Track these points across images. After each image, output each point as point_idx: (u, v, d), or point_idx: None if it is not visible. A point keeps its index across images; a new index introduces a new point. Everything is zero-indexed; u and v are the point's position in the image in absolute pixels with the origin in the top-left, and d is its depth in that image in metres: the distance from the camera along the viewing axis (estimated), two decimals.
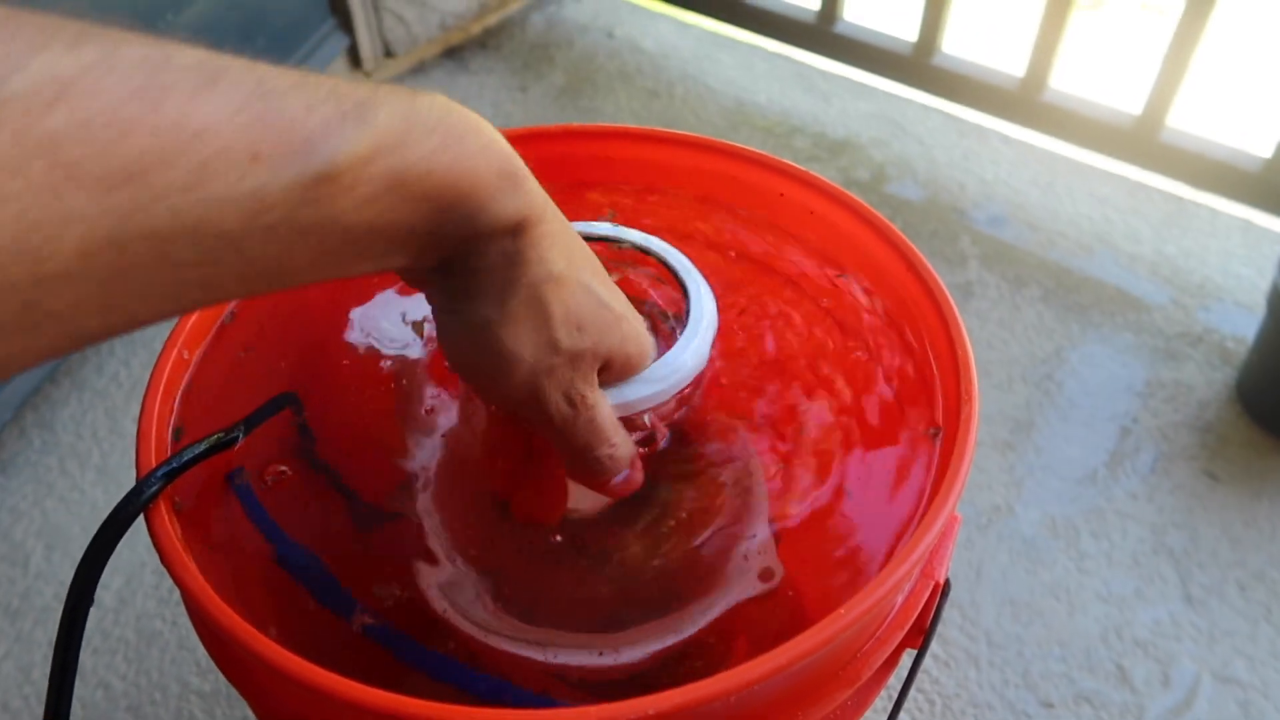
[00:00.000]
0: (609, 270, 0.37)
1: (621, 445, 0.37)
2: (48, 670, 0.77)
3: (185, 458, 0.36)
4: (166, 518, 0.35)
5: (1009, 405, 0.96)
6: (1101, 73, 1.48)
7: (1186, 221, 1.15)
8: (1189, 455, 0.92)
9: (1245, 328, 1.02)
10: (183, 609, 0.80)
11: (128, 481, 0.89)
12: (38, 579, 0.82)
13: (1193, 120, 1.08)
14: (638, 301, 0.44)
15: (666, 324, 0.42)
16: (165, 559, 0.33)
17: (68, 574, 0.82)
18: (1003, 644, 0.79)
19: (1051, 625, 0.80)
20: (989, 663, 0.78)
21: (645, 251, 0.43)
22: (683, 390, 0.38)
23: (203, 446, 0.37)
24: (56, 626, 0.79)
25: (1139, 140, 1.07)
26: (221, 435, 0.39)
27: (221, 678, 0.77)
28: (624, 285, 0.44)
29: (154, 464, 0.36)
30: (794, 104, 1.32)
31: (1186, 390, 0.97)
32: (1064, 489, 0.89)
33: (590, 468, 0.37)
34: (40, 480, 0.89)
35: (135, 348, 0.99)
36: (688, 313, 0.40)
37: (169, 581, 0.81)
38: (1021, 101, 1.12)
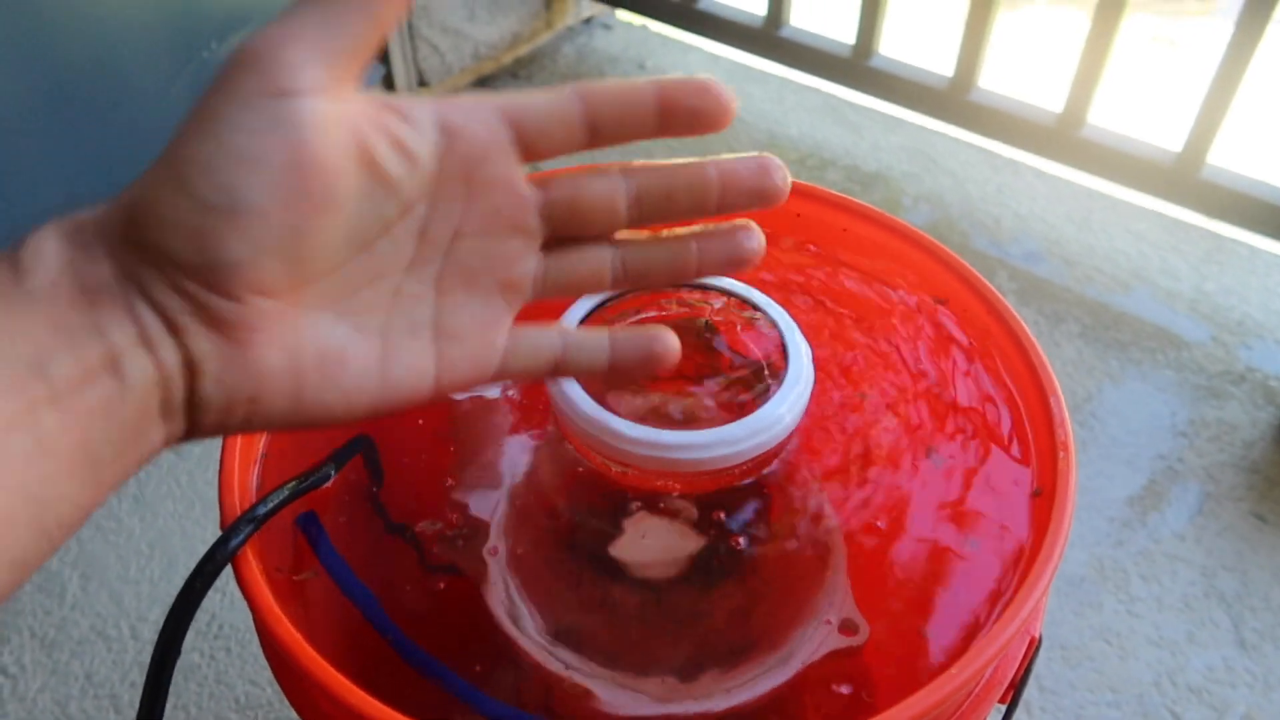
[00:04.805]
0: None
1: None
2: (84, 705, 0.77)
3: (272, 503, 0.36)
4: (255, 566, 0.34)
5: None
6: (1116, 104, 1.47)
7: (1225, 258, 1.14)
8: (1236, 497, 0.90)
9: None
10: (220, 644, 0.79)
11: (163, 511, 0.88)
12: (74, 610, 0.81)
13: (1232, 157, 1.08)
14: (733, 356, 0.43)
15: (760, 378, 0.41)
16: (257, 612, 0.32)
17: (104, 605, 0.81)
18: (1054, 689, 0.77)
19: (1103, 670, 0.78)
20: (1040, 708, 0.76)
21: (736, 297, 0.42)
22: (778, 445, 0.38)
23: (287, 491, 0.37)
24: (92, 659, 0.78)
25: (1178, 178, 1.07)
26: (296, 483, 0.38)
27: (259, 716, 0.75)
28: (722, 331, 0.44)
29: (239, 510, 0.35)
30: (825, 137, 1.32)
31: (1230, 430, 0.96)
32: (1110, 530, 0.88)
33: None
34: None
35: None
36: (785, 366, 0.39)
37: (207, 615, 0.80)
38: (1059, 138, 1.12)
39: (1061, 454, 0.39)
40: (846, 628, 0.43)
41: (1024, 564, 0.37)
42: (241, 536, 0.34)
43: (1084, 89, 1.07)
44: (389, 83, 1.26)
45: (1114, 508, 0.90)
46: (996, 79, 1.18)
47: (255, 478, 0.39)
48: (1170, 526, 0.88)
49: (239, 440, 0.38)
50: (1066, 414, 0.40)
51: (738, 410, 0.39)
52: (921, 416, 0.46)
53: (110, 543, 0.85)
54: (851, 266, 0.51)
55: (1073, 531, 0.91)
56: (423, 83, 1.30)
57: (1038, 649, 0.40)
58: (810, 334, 0.43)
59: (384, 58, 1.23)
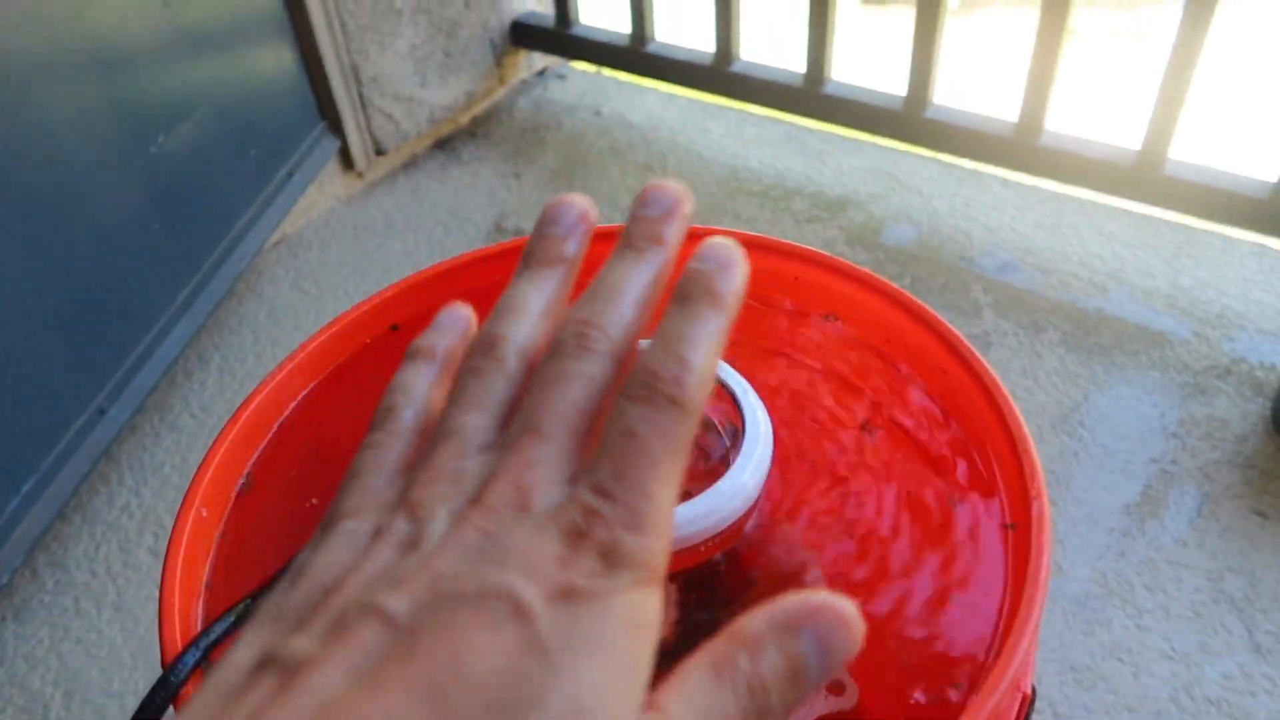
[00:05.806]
0: None
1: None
2: None
3: (215, 634, 0.34)
4: None
5: (1042, 458, 0.93)
6: (1082, 103, 1.47)
7: (1198, 251, 1.13)
8: (1234, 494, 0.89)
9: (1273, 355, 1.00)
10: None
11: (145, 618, 0.86)
12: None
13: (1194, 151, 1.07)
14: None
15: (719, 440, 0.39)
16: None
17: None
18: (1070, 715, 0.75)
19: (1118, 690, 0.76)
20: None
21: None
22: (748, 509, 0.36)
23: (230, 620, 0.35)
24: None
25: (1142, 177, 1.06)
26: (248, 603, 0.36)
27: None
28: None
29: (180, 644, 0.34)
30: (788, 166, 1.31)
31: (1222, 425, 0.95)
32: (1110, 542, 0.86)
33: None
34: (55, 623, 0.86)
35: (145, 474, 0.97)
36: (742, 429, 0.38)
37: None
38: (1018, 148, 1.11)
39: (1035, 500, 0.37)
40: (834, 687, 0.41)
41: (1004, 621, 0.36)
42: (185, 673, 0.33)
43: (1038, 96, 1.07)
44: (345, 155, 1.26)
45: (1112, 518, 0.88)
46: (956, 91, 1.18)
47: (199, 609, 0.37)
48: (1171, 532, 0.86)
49: (179, 569, 0.36)
50: (1038, 462, 0.39)
51: (703, 479, 0.38)
52: (891, 463, 0.44)
53: (92, 656, 0.83)
54: (786, 309, 0.49)
55: (1073, 547, 0.89)
56: (379, 151, 1.29)
57: (1032, 703, 0.38)
58: (761, 387, 0.41)
59: (339, 131, 1.23)
